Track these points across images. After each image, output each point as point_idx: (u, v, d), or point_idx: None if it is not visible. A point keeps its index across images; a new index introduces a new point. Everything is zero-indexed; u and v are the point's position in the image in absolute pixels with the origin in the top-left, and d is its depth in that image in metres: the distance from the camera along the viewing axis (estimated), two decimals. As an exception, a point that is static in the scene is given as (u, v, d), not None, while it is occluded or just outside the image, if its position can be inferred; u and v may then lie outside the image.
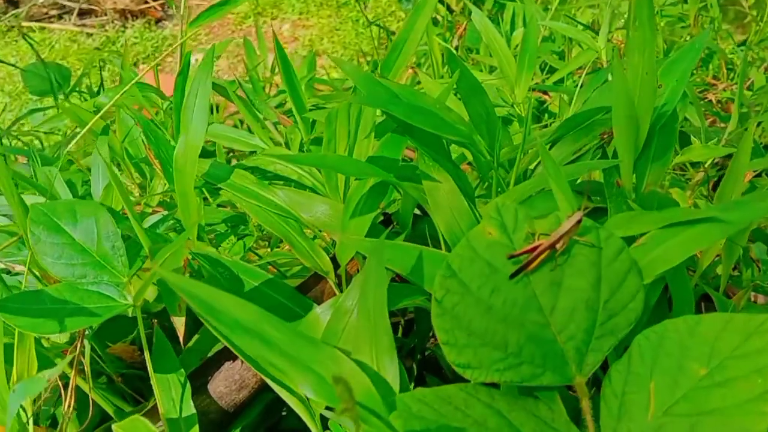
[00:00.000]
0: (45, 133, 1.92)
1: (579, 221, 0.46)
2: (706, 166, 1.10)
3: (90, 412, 0.59)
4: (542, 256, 0.46)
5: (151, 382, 0.56)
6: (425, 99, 0.64)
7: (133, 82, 0.76)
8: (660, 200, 0.59)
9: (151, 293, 0.68)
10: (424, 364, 0.77)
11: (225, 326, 0.41)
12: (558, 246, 0.46)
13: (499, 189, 0.64)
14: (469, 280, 0.47)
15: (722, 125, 1.46)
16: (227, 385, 0.60)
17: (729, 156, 1.13)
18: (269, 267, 0.80)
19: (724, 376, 0.40)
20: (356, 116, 0.65)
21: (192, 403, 0.56)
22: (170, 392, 0.57)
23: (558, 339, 0.45)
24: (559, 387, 0.45)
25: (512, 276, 0.46)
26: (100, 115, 0.77)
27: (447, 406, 0.43)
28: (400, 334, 0.76)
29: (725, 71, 1.76)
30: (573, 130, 0.66)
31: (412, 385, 0.75)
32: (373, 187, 0.62)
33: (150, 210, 0.91)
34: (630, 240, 0.55)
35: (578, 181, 0.68)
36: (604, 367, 0.45)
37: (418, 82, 1.12)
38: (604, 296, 0.45)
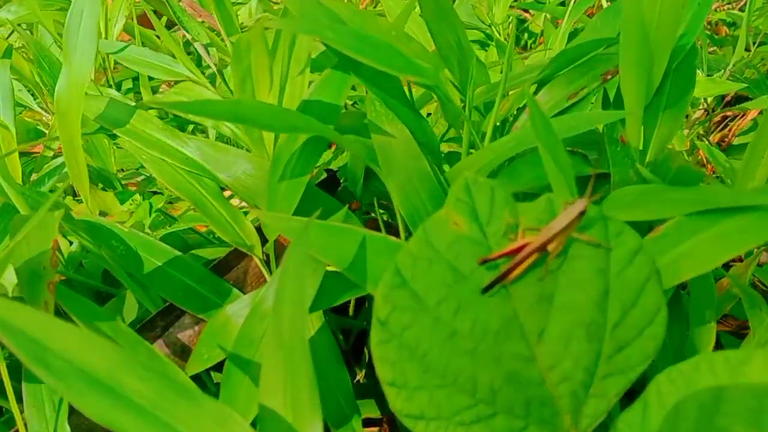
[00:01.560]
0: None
1: (581, 213, 0.32)
2: (708, 101, 0.96)
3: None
4: (528, 261, 0.33)
5: (9, 403, 0.42)
6: (377, 24, 0.49)
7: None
8: (680, 169, 0.45)
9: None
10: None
11: (60, 379, 0.28)
12: (551, 248, 0.33)
13: (472, 144, 0.50)
14: (425, 291, 0.33)
15: (712, 49, 1.32)
16: (121, 394, 0.47)
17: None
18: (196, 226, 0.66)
19: (784, 451, 0.28)
20: (289, 45, 0.50)
21: (68, 427, 0.43)
22: (43, 410, 0.44)
23: (547, 380, 0.32)
24: (547, 447, 0.32)
25: (486, 289, 0.33)
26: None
27: (389, 478, 0.30)
28: (351, 312, 0.63)
29: (719, -12, 1.61)
30: (567, 67, 0.52)
31: (363, 372, 0.63)
32: (309, 140, 0.47)
33: (51, 153, 0.76)
34: (637, 226, 0.43)
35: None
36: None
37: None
38: (613, 318, 0.33)
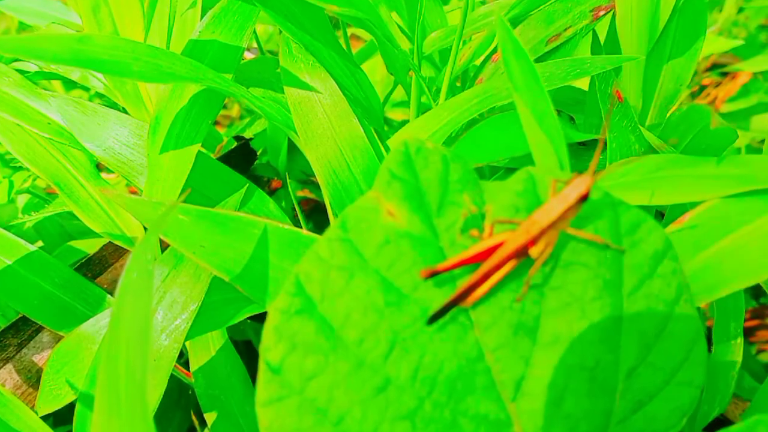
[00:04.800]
0: None
1: (583, 197, 0.21)
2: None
3: None
4: (500, 273, 0.21)
5: None
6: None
7: None
8: (706, 133, 0.34)
9: None
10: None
11: None
12: (535, 251, 0.21)
13: (424, 103, 0.38)
14: (341, 321, 0.21)
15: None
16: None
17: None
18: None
19: None
20: (179, -30, 0.37)
21: None
22: None
23: (529, 457, 0.21)
24: None
25: (435, 316, 0.21)
26: None
27: None
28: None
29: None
30: (546, 2, 0.40)
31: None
32: (198, 95, 0.35)
33: None
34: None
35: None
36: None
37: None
38: (629, 358, 0.21)
